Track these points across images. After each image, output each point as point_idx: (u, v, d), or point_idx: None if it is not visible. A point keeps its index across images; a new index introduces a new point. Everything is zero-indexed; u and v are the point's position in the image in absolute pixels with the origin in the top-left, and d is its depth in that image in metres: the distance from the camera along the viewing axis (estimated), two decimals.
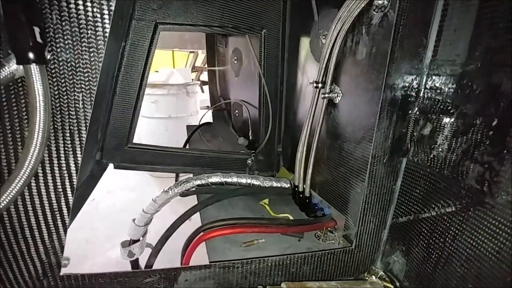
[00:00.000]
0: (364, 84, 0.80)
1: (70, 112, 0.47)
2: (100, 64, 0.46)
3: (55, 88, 0.46)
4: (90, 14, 0.43)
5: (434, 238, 0.65)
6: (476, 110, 0.54)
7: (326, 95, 0.97)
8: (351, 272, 0.82)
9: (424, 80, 0.66)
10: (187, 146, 1.86)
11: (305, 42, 1.22)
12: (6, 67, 0.40)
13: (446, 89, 0.61)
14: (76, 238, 2.22)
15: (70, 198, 0.52)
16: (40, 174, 0.48)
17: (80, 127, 0.48)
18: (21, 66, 0.40)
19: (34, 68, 0.40)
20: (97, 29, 0.44)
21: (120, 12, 0.82)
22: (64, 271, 0.56)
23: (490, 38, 0.52)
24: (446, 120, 0.61)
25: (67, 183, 0.51)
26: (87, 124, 0.48)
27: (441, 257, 0.64)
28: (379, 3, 0.72)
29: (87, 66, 0.46)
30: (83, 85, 0.46)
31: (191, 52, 4.98)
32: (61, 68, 0.45)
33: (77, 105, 0.47)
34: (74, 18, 0.43)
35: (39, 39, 0.39)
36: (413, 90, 0.67)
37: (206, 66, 4.76)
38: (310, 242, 0.95)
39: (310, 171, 1.04)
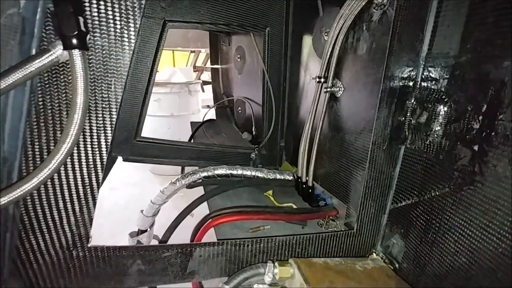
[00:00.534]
0: (365, 78, 0.85)
1: (103, 94, 0.52)
2: (131, 52, 0.51)
3: (92, 72, 0.51)
4: (123, 7, 0.48)
5: (430, 219, 0.70)
6: (467, 98, 0.60)
7: (328, 89, 1.02)
8: (353, 254, 0.87)
9: (420, 72, 0.71)
10: (192, 141, 1.90)
11: (307, 40, 1.27)
12: (52, 52, 0.45)
13: (441, 79, 0.66)
14: None
15: (100, 173, 0.56)
16: (75, 151, 0.53)
17: (111, 109, 0.53)
18: (65, 52, 0.45)
19: (77, 53, 0.45)
20: (129, 20, 0.49)
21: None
22: (91, 243, 0.61)
23: (480, 32, 0.57)
24: (441, 108, 0.66)
25: (98, 160, 0.55)
26: (117, 106, 0.53)
27: (437, 236, 0.69)
28: (378, 1, 0.77)
29: (119, 54, 0.51)
30: (114, 71, 0.51)
31: (192, 52, 5.02)
32: (97, 54, 0.50)
33: (110, 88, 0.52)
34: (110, 10, 0.48)
35: (82, 28, 0.44)
36: (411, 81, 0.73)
37: (207, 65, 4.81)
38: (313, 230, 1.00)
39: (312, 162, 1.09)
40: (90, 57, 0.50)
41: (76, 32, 0.43)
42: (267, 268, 0.67)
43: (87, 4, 0.46)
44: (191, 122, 2.30)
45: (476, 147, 0.58)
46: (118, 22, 0.49)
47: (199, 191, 1.34)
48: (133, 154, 1.37)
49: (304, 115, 1.30)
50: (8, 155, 0.50)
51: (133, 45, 0.52)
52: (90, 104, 0.52)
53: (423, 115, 0.71)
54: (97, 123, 0.54)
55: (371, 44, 0.82)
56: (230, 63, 2.08)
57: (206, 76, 4.81)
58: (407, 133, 0.77)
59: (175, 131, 3.28)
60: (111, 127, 0.55)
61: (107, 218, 2.71)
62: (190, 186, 1.31)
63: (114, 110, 0.54)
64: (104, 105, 0.53)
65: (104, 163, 0.57)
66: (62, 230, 0.58)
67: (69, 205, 0.57)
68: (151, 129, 3.32)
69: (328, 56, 0.99)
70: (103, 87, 0.52)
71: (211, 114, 2.29)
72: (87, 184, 0.57)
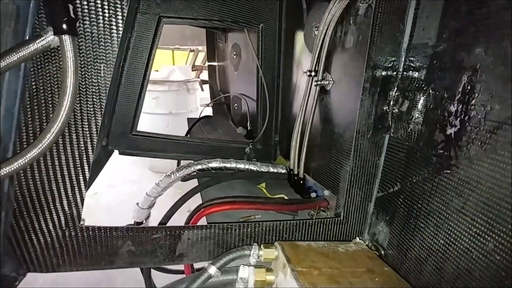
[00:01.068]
0: (352, 70, 0.88)
1: (93, 79, 0.55)
2: (119, 40, 0.54)
3: (81, 57, 0.54)
4: None
5: (412, 205, 0.73)
6: (444, 85, 0.62)
7: (319, 83, 1.05)
8: (340, 241, 0.89)
9: (402, 62, 0.74)
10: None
11: (299, 36, 1.30)
12: (44, 38, 0.48)
13: (421, 69, 0.68)
14: None
15: (91, 155, 0.59)
16: (66, 132, 0.56)
17: (100, 93, 0.56)
18: (56, 37, 0.48)
19: (67, 38, 0.48)
20: (116, 8, 0.52)
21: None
22: (84, 223, 0.64)
23: (454, 22, 0.60)
24: (420, 96, 0.68)
25: (89, 142, 0.58)
26: (106, 91, 0.56)
27: (418, 221, 0.71)
28: None
29: (108, 40, 0.54)
30: (103, 56, 0.54)
31: (191, 51, 5.06)
32: (87, 40, 0.53)
33: (99, 73, 0.55)
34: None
35: (72, 15, 0.47)
36: (393, 71, 0.75)
37: (205, 64, 4.84)
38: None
39: (303, 154, 1.12)
40: (80, 43, 0.53)
41: (66, 18, 0.46)
42: (252, 250, 0.69)
43: None
44: (188, 118, 2.33)
45: (451, 132, 0.61)
46: (106, 10, 0.52)
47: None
48: (129, 148, 1.40)
49: (296, 110, 1.32)
50: (3, 136, 0.53)
51: (121, 32, 0.54)
52: (81, 88, 0.55)
53: (404, 104, 0.74)
54: (87, 106, 0.57)
55: (358, 37, 0.85)
56: (227, 60, 2.11)
57: (205, 75, 4.84)
58: (390, 122, 0.79)
59: (173, 129, 3.31)
60: (101, 111, 0.58)
61: (105, 214, 2.74)
62: (184, 179, 1.34)
63: (104, 94, 0.57)
64: (94, 90, 0.56)
65: (95, 145, 0.59)
66: (54, 209, 0.61)
67: (61, 185, 0.60)
68: (149, 127, 3.36)
69: (318, 50, 1.02)
70: (92, 72, 0.55)
71: (209, 111, 2.32)
72: (78, 165, 0.60)
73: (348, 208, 0.87)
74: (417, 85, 0.70)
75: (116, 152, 1.41)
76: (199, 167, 1.29)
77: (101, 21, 0.53)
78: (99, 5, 0.52)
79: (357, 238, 0.87)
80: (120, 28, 0.54)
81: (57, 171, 0.58)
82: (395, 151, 0.79)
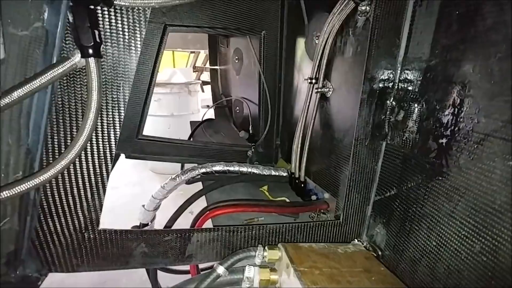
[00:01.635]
0: (351, 79, 0.92)
1: (113, 95, 0.60)
2: (137, 59, 0.59)
3: (103, 76, 0.58)
4: (131, 21, 0.56)
5: (407, 209, 0.77)
6: (435, 98, 0.67)
7: (319, 90, 1.09)
8: (339, 243, 0.93)
9: (398, 74, 0.78)
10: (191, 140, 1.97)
11: (301, 43, 1.34)
12: (71, 60, 0.52)
13: (415, 81, 0.73)
14: None
15: (110, 164, 0.64)
16: (88, 144, 0.60)
17: (120, 108, 0.60)
18: (82, 59, 0.53)
19: (92, 60, 0.53)
20: (135, 31, 0.57)
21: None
22: (101, 226, 0.68)
23: (446, 39, 0.64)
24: (415, 107, 0.73)
25: (108, 152, 0.63)
26: (125, 106, 0.61)
27: (412, 224, 0.76)
28: (362, 9, 0.84)
29: (127, 60, 0.58)
30: (123, 75, 0.59)
31: (191, 52, 5.10)
32: (108, 61, 0.57)
33: (119, 90, 0.59)
34: (119, 23, 0.55)
35: (97, 39, 0.52)
36: (390, 82, 0.80)
37: (206, 66, 4.87)
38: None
39: (304, 158, 1.16)
40: (103, 63, 0.58)
41: (92, 43, 0.51)
42: (257, 251, 0.74)
43: (100, 18, 0.54)
44: (191, 122, 2.37)
45: (443, 142, 0.65)
46: (126, 33, 0.57)
47: (199, 188, 1.41)
48: (135, 152, 1.45)
49: (298, 114, 1.37)
50: (32, 147, 0.57)
51: (139, 52, 0.59)
52: (102, 103, 0.60)
53: (400, 113, 0.78)
54: (107, 120, 0.61)
55: (356, 48, 0.90)
56: (229, 64, 2.15)
57: (206, 76, 4.88)
58: (387, 130, 0.84)
59: (175, 130, 3.35)
60: (120, 123, 0.62)
61: (108, 216, 2.77)
62: (189, 182, 1.38)
63: (122, 108, 0.61)
64: (113, 105, 0.61)
65: (113, 155, 0.64)
66: (76, 214, 0.65)
67: (82, 192, 0.65)
68: (151, 128, 3.39)
69: (318, 59, 1.06)
70: (113, 89, 0.60)
71: (210, 114, 2.36)
72: (98, 173, 0.64)
73: (347, 211, 0.91)
74: (412, 96, 0.74)
75: (122, 156, 1.45)
76: (203, 170, 1.34)
77: (121, 43, 0.57)
78: (120, 29, 0.56)
79: (355, 240, 0.91)
80: (139, 48, 0.59)
81: (79, 179, 0.63)
82: (392, 158, 0.84)
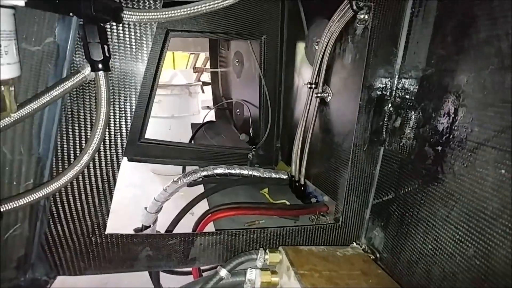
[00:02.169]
0: (350, 85, 0.95)
1: (120, 105, 0.62)
2: (144, 70, 0.61)
3: (111, 87, 0.60)
4: (138, 34, 0.58)
5: (404, 212, 0.80)
6: (432, 105, 0.69)
7: (319, 95, 1.11)
8: (338, 245, 0.96)
9: (395, 82, 0.81)
10: (192, 142, 1.99)
11: (300, 47, 1.36)
12: (82, 73, 0.54)
13: (412, 89, 0.75)
14: None
15: (116, 171, 0.66)
16: (97, 152, 0.63)
17: (126, 117, 0.63)
18: (92, 73, 0.55)
19: (102, 74, 0.55)
20: (142, 45, 0.59)
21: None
22: (107, 231, 0.71)
23: (441, 49, 0.66)
24: (412, 114, 0.75)
25: (115, 159, 0.65)
26: (132, 115, 0.63)
27: (409, 228, 0.78)
28: (361, 18, 0.87)
29: (134, 72, 0.61)
30: (130, 86, 0.61)
31: (191, 53, 5.11)
32: (116, 73, 0.60)
33: (126, 100, 0.61)
34: (127, 38, 0.58)
35: (106, 54, 0.54)
36: (387, 90, 0.82)
37: (206, 67, 4.89)
38: (304, 224, 1.09)
39: (305, 161, 1.19)
40: (111, 75, 0.60)
41: (102, 58, 0.53)
42: (259, 254, 0.76)
43: (109, 33, 0.56)
44: (192, 124, 2.39)
45: (438, 149, 0.67)
46: (133, 46, 0.59)
47: (199, 190, 1.43)
48: (137, 155, 1.47)
49: (298, 118, 1.39)
50: (42, 156, 0.59)
51: (145, 64, 0.61)
52: (109, 114, 0.62)
53: (397, 120, 0.80)
54: (115, 129, 0.63)
55: (355, 55, 0.92)
56: (229, 66, 2.17)
57: (206, 77, 4.90)
58: (385, 135, 0.86)
59: (175, 131, 3.36)
60: (127, 132, 0.64)
61: (110, 217, 2.79)
62: (191, 184, 1.40)
63: (129, 117, 0.63)
64: (121, 114, 0.63)
65: (120, 162, 0.66)
66: (83, 219, 0.68)
67: (90, 198, 0.67)
68: (152, 130, 3.40)
69: (318, 64, 1.09)
70: (120, 99, 0.62)
71: (211, 116, 2.38)
72: (106, 180, 0.66)
73: (347, 214, 0.94)
74: (408, 103, 0.77)
75: (124, 158, 1.47)
76: (205, 173, 1.35)
77: (128, 56, 0.60)
78: (128, 43, 0.59)
79: (354, 243, 0.94)
80: (145, 60, 0.61)
81: (87, 186, 0.65)
82: (390, 163, 0.86)
